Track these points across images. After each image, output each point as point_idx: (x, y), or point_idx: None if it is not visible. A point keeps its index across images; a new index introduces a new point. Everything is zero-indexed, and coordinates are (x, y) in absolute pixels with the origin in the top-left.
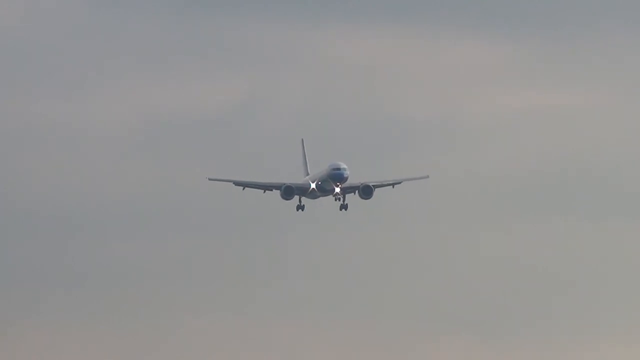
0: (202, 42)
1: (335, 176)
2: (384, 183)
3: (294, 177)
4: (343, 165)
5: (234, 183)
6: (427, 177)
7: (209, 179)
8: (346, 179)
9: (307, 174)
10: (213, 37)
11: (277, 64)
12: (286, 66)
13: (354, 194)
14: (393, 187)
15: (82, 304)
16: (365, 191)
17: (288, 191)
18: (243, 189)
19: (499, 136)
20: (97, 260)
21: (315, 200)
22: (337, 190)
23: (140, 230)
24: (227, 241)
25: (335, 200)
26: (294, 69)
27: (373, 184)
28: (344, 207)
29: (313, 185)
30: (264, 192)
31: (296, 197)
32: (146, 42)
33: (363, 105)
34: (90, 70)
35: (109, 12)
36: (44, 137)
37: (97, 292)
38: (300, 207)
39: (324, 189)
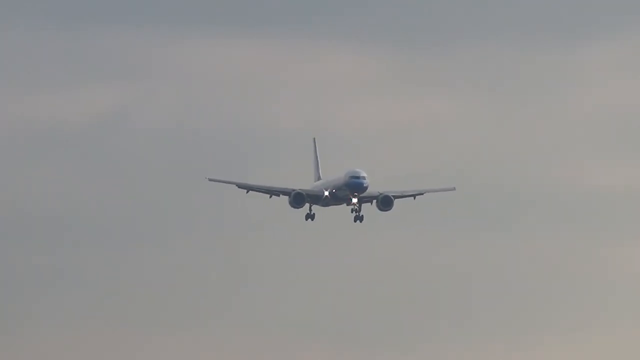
0: (64, 52)
1: (354, 185)
2: (405, 194)
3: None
4: (362, 173)
5: (237, 185)
6: (454, 189)
7: (209, 180)
8: (366, 188)
9: (319, 178)
10: (77, 47)
11: (145, 74)
12: (157, 77)
13: (371, 204)
14: (414, 198)
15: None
16: (385, 202)
17: (298, 198)
18: (247, 192)
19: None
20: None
21: (327, 208)
22: (354, 200)
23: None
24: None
25: (352, 211)
26: (165, 81)
27: (393, 194)
28: (359, 218)
29: (326, 193)
30: (270, 197)
31: (306, 205)
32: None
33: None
34: None
35: None
36: None
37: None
38: (310, 216)
39: (338, 198)
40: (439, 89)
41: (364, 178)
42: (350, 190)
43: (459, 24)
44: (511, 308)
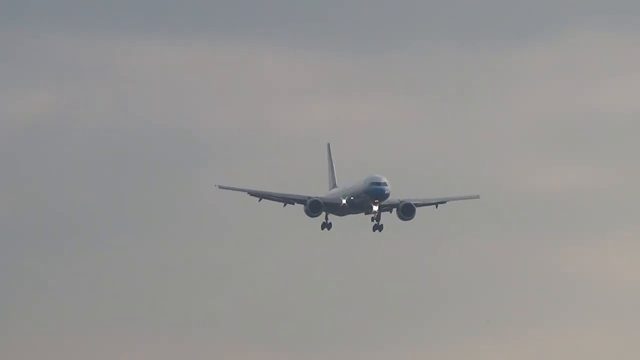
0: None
1: (375, 192)
2: (426, 202)
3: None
4: (384, 180)
5: (248, 193)
6: (478, 197)
7: (219, 187)
8: (387, 196)
9: (334, 186)
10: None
11: (80, 76)
12: (92, 79)
13: (390, 212)
14: (437, 206)
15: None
16: (406, 210)
17: (315, 206)
18: (259, 200)
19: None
20: None
21: (343, 217)
22: (375, 208)
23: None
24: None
25: (372, 220)
26: (98, 82)
27: (415, 202)
28: (378, 227)
29: (344, 201)
30: (284, 205)
31: (322, 214)
32: None
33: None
34: None
35: None
36: None
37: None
38: (327, 225)
39: (356, 206)
40: (372, 92)
41: (385, 184)
42: (370, 198)
43: (392, 26)
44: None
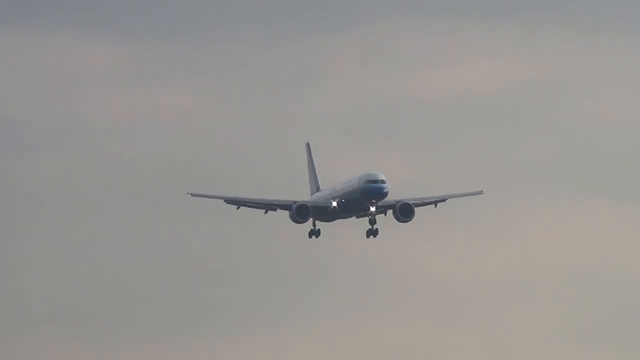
0: None
1: (372, 191)
2: (424, 201)
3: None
4: (381, 177)
5: (225, 200)
6: (481, 192)
7: (191, 195)
8: (386, 195)
9: (318, 189)
10: None
11: None
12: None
13: (384, 214)
14: (436, 205)
15: None
16: (404, 211)
17: (302, 211)
18: (237, 208)
19: None
20: None
21: (332, 223)
22: (372, 209)
23: None
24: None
25: (370, 223)
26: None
27: (413, 201)
28: (372, 232)
29: (334, 204)
30: (266, 212)
31: (309, 221)
32: None
33: None
34: None
35: None
36: None
37: None
38: (315, 233)
39: (349, 209)
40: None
41: (383, 182)
42: (367, 198)
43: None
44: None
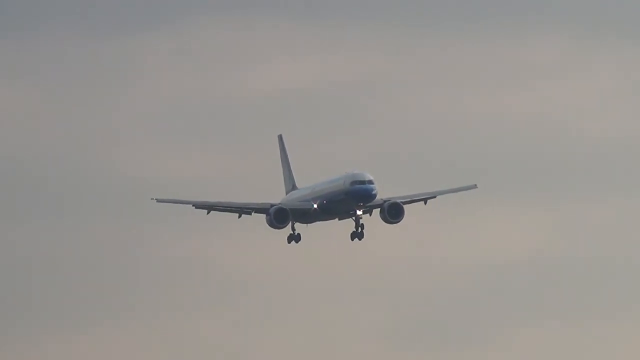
0: None
1: (360, 193)
2: (413, 198)
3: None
4: (368, 177)
5: (194, 205)
6: (475, 186)
7: (157, 200)
8: (374, 197)
9: (294, 187)
10: None
11: None
12: None
13: (370, 214)
14: (425, 203)
15: None
16: (392, 211)
17: (280, 216)
18: (207, 212)
19: None
20: None
21: (310, 225)
22: (359, 212)
23: None
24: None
25: (358, 228)
26: None
27: (401, 200)
28: (357, 235)
29: (315, 206)
30: (239, 217)
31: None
32: None
33: None
34: None
35: None
36: None
37: None
38: (294, 238)
39: (332, 211)
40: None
41: (370, 182)
42: (354, 201)
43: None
44: None
